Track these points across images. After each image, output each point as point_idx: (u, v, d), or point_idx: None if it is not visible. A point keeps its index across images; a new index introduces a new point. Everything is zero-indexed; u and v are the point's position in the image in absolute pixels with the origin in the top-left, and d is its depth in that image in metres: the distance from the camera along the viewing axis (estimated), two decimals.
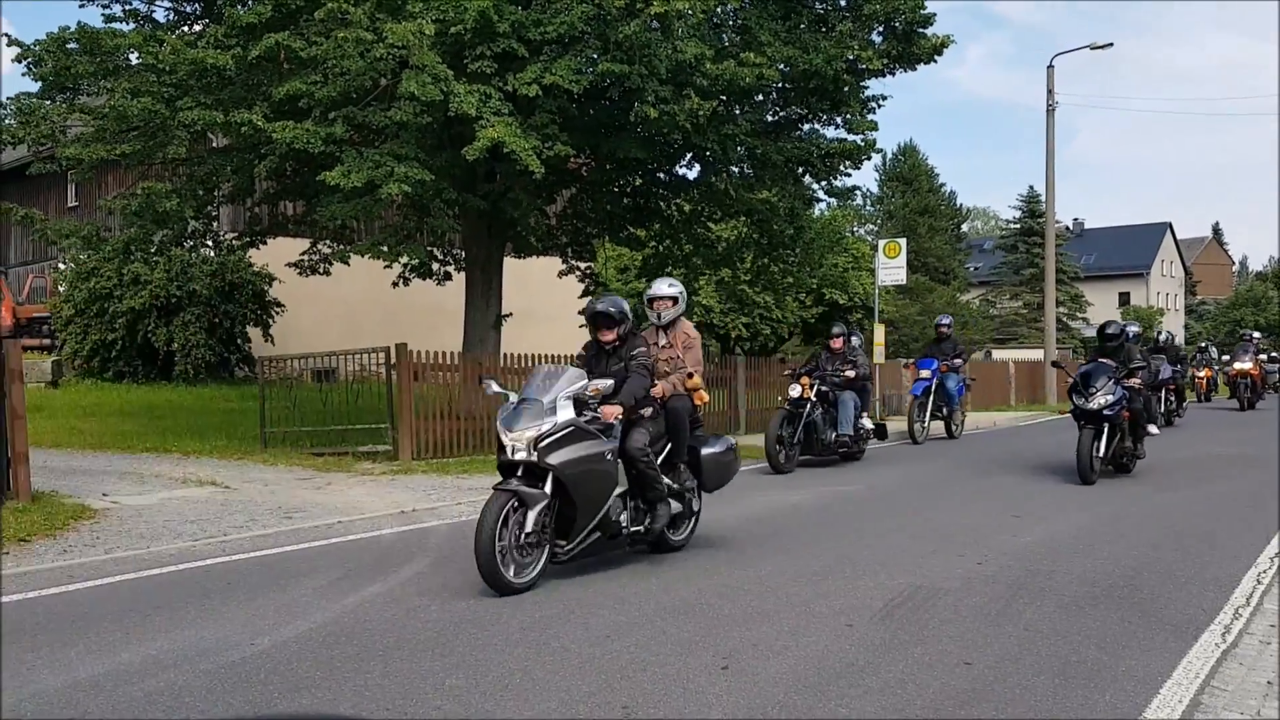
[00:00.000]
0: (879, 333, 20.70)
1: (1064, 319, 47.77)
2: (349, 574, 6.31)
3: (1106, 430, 10.46)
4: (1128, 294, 64.39)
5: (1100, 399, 10.37)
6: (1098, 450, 10.40)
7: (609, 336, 6.56)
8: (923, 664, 4.53)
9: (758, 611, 5.40)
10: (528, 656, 4.61)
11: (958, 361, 16.25)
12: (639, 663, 4.52)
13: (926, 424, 15.64)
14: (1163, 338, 20.08)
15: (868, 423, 13.07)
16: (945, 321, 16.94)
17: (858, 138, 14.45)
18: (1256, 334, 27.81)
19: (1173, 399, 18.71)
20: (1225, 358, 26.28)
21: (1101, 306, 58.50)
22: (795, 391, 11.90)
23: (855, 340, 13.85)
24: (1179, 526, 8.17)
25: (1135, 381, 10.82)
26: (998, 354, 39.70)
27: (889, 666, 4.49)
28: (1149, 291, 65.05)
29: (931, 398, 15.69)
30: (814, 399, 11.93)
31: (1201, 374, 26.62)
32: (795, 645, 4.80)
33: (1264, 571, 6.40)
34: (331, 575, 6.28)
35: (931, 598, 5.70)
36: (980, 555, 6.85)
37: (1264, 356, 25.89)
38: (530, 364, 13.80)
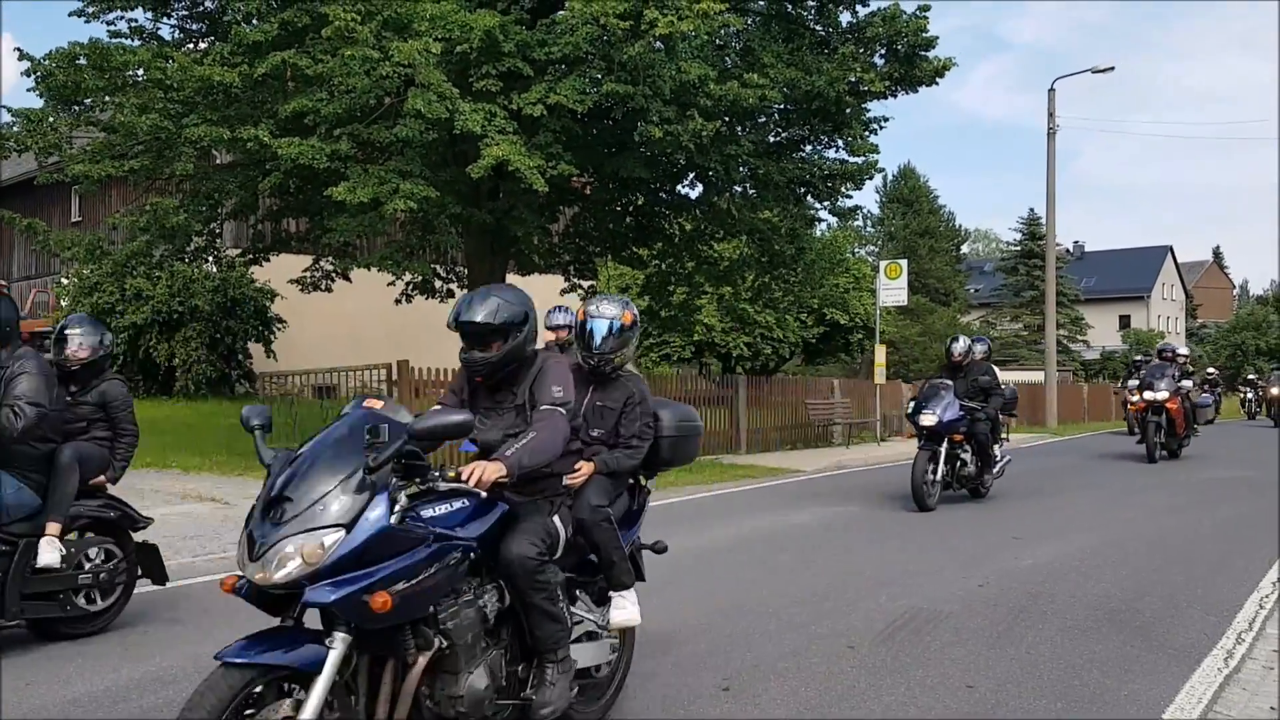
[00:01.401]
0: (880, 353, 20.74)
1: (1064, 341, 47.84)
2: None
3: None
4: (1128, 317, 64.48)
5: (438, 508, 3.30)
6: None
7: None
8: (924, 687, 4.52)
9: (759, 633, 5.39)
10: None
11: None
12: (640, 682, 4.50)
13: None
14: (958, 348, 11.33)
15: None
16: (561, 322, 9.14)
17: (859, 159, 14.52)
18: (1183, 351, 19.33)
19: (966, 456, 10.93)
20: (1133, 383, 18.04)
21: (1102, 329, 58.64)
22: None
23: None
24: (1181, 550, 8.16)
25: (582, 472, 3.92)
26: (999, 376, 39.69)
27: (891, 689, 4.48)
28: (1149, 314, 65.15)
29: None
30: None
31: (1136, 399, 17.39)
32: (796, 667, 4.79)
33: (1266, 596, 6.39)
34: None
35: (933, 620, 5.69)
36: (982, 578, 6.84)
37: (1189, 383, 17.33)
38: None
